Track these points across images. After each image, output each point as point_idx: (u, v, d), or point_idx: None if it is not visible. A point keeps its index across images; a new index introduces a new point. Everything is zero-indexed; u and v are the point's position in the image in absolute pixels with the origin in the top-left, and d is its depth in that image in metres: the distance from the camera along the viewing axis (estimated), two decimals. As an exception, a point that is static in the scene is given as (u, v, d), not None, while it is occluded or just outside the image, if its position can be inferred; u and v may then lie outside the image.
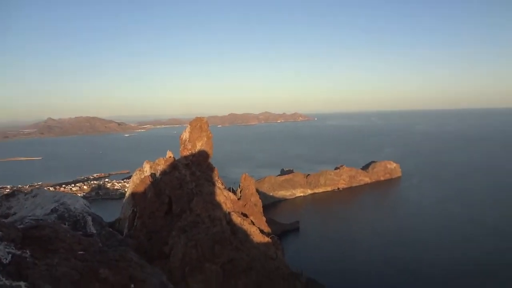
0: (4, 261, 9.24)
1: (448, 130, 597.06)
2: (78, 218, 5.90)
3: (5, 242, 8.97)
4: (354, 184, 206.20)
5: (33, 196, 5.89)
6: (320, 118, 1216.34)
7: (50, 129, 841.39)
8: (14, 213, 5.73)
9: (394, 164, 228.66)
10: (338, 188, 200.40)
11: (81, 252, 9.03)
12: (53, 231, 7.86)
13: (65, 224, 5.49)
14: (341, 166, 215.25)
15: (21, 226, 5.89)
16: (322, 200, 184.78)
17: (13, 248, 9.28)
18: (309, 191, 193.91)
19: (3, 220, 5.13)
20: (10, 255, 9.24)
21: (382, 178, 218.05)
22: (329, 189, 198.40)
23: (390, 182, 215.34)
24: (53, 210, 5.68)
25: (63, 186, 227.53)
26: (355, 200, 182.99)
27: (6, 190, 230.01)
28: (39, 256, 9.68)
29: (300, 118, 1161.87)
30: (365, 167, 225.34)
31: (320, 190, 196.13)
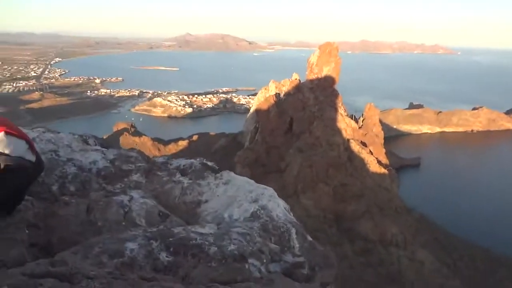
0: None
1: None
2: (282, 230, 5.23)
3: None
4: (492, 128, 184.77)
5: (224, 183, 5.64)
6: (465, 52, 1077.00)
7: (187, 43, 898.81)
8: (206, 201, 5.48)
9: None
10: (472, 130, 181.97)
11: None
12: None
13: (270, 240, 4.86)
14: (480, 107, 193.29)
15: (232, 248, 4.40)
16: (451, 140, 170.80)
17: None
18: (438, 129, 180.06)
19: (196, 208, 4.80)
20: None
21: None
22: (461, 129, 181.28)
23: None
24: (254, 215, 5.14)
25: (195, 96, 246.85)
26: (490, 145, 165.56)
27: (148, 95, 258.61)
28: None
29: (441, 50, 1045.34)
30: (509, 112, 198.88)
31: (451, 129, 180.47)
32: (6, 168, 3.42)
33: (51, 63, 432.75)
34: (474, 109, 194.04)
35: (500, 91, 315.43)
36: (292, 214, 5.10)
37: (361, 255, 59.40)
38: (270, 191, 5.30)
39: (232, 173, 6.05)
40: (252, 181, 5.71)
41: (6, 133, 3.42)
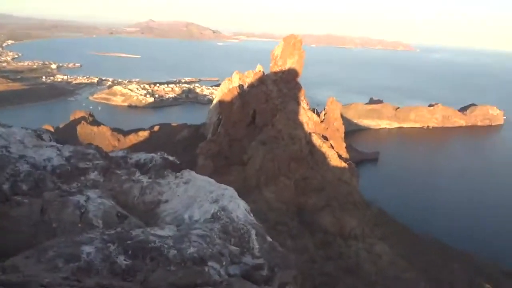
0: None
1: None
2: (242, 232, 4.97)
3: None
4: (446, 125, 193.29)
5: (185, 183, 5.39)
6: (423, 50, 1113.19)
7: (150, 30, 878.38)
8: (166, 201, 5.15)
9: (498, 111, 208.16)
10: (428, 126, 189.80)
11: None
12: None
13: (230, 242, 4.58)
14: (436, 104, 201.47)
15: (192, 251, 4.26)
16: (409, 135, 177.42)
17: None
18: (396, 124, 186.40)
19: (156, 208, 4.59)
20: None
21: (480, 123, 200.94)
22: (417, 125, 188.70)
23: (488, 129, 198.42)
24: (215, 217, 4.89)
25: (157, 85, 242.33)
26: (445, 141, 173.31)
27: (108, 83, 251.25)
28: None
29: (401, 47, 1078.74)
30: (462, 109, 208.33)
31: (408, 125, 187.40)
32: None
33: (3, 45, 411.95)
34: (430, 105, 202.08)
35: (455, 88, 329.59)
36: (252, 215, 5.11)
37: (321, 248, 60.68)
38: (230, 191, 5.29)
39: (193, 172, 5.97)
40: (213, 181, 5.68)
41: None
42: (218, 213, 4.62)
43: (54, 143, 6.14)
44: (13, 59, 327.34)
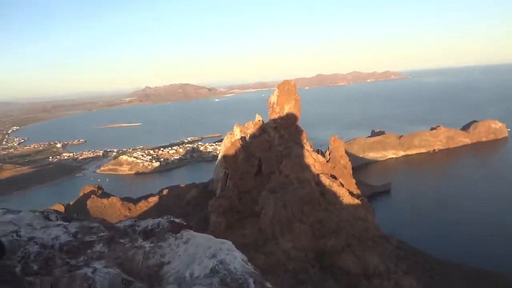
0: None
1: None
2: (240, 282, 5.05)
3: None
4: (452, 146, 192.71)
5: (184, 243, 5.52)
6: (415, 75, 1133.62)
7: (147, 96, 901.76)
8: (168, 262, 5.26)
9: (500, 124, 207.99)
10: (434, 150, 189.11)
11: None
12: None
13: None
14: (438, 126, 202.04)
15: None
16: (416, 162, 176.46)
17: None
18: (402, 153, 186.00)
19: (159, 270, 4.77)
20: None
21: (484, 139, 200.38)
22: (423, 150, 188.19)
23: (494, 143, 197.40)
24: (213, 271, 5.01)
25: (161, 149, 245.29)
26: (453, 162, 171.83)
27: (113, 154, 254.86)
28: None
29: (393, 76, 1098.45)
30: (465, 127, 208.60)
31: (414, 151, 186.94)
32: None
33: (8, 132, 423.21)
34: (432, 129, 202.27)
35: (453, 109, 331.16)
36: (249, 264, 5.31)
37: (347, 291, 58.87)
38: (227, 245, 5.52)
39: (191, 232, 6.23)
40: (210, 237, 5.91)
41: None
42: (217, 267, 4.85)
43: (61, 222, 6.49)
44: (19, 144, 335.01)
